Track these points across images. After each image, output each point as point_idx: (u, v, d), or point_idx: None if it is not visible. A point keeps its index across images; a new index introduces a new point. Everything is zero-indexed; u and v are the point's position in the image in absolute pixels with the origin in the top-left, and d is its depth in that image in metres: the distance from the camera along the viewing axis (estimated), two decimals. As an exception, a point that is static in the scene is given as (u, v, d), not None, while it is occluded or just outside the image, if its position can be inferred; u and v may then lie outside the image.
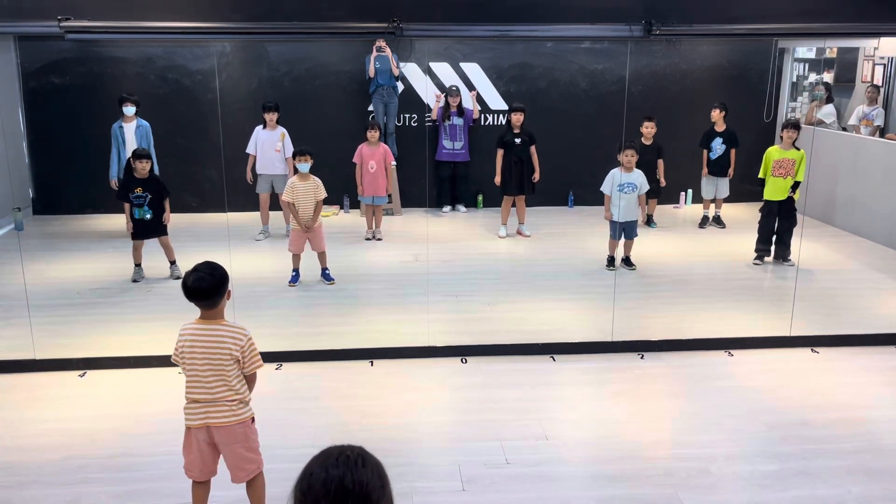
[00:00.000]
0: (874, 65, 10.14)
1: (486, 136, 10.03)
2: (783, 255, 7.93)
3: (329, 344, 5.86)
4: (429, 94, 10.29)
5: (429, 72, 10.32)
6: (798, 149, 7.77)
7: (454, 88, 10.07)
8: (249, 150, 8.94)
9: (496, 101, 10.49)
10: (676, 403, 5.08)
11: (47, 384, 5.31)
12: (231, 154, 9.10)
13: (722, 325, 6.31)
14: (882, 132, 9.49)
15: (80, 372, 5.48)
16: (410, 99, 10.32)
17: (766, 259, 8.03)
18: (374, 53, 9.74)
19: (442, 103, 10.07)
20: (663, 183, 9.37)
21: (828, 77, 10.78)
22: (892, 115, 9.80)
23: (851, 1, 6.17)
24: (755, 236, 8.06)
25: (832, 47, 10.71)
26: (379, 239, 8.96)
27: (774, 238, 7.97)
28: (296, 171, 7.45)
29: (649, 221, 9.52)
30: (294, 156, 7.66)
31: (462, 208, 10.45)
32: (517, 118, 8.88)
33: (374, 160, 8.84)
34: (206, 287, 3.44)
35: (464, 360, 5.68)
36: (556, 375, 5.49)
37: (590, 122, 10.43)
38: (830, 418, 4.85)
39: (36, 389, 5.24)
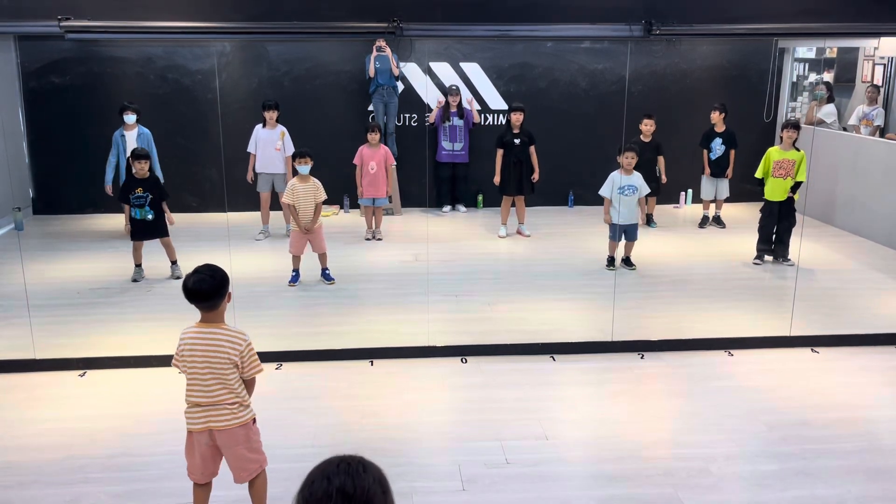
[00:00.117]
0: (874, 65, 10.14)
1: (486, 136, 10.03)
2: (782, 254, 7.93)
3: (329, 344, 5.86)
4: (429, 93, 10.29)
5: (429, 72, 10.32)
6: (798, 149, 7.77)
7: (454, 88, 10.08)
8: (250, 149, 8.95)
9: (496, 101, 10.49)
10: (676, 403, 5.09)
11: (47, 384, 5.31)
12: (231, 154, 9.10)
13: (722, 325, 6.31)
14: (882, 132, 9.49)
15: (80, 372, 5.48)
16: (410, 99, 10.32)
17: (766, 259, 8.03)
18: (374, 53, 9.74)
19: (442, 105, 10.05)
20: (664, 180, 9.37)
21: (828, 77, 10.78)
22: (892, 115, 9.80)
23: (851, 1, 6.17)
24: (755, 236, 8.07)
25: (832, 47, 10.70)
26: (379, 239, 8.96)
27: (774, 238, 7.98)
28: (295, 171, 7.45)
29: (649, 221, 9.52)
30: (294, 157, 7.65)
31: (462, 208, 10.45)
32: (517, 118, 8.88)
33: (375, 161, 8.84)
34: (207, 289, 3.44)
35: (464, 360, 5.68)
36: (556, 375, 5.49)
37: (590, 122, 10.43)
38: (830, 418, 4.85)
39: (36, 389, 5.24)
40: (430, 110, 10.22)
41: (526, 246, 8.80)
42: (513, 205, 9.14)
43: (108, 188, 8.65)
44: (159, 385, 5.24)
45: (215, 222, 9.49)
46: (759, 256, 8.02)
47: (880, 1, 6.05)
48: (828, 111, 10.04)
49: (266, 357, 5.28)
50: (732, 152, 9.39)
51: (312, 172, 7.38)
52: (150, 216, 7.28)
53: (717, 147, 9.39)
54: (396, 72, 9.91)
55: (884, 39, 8.94)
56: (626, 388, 5.30)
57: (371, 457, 1.77)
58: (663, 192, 9.88)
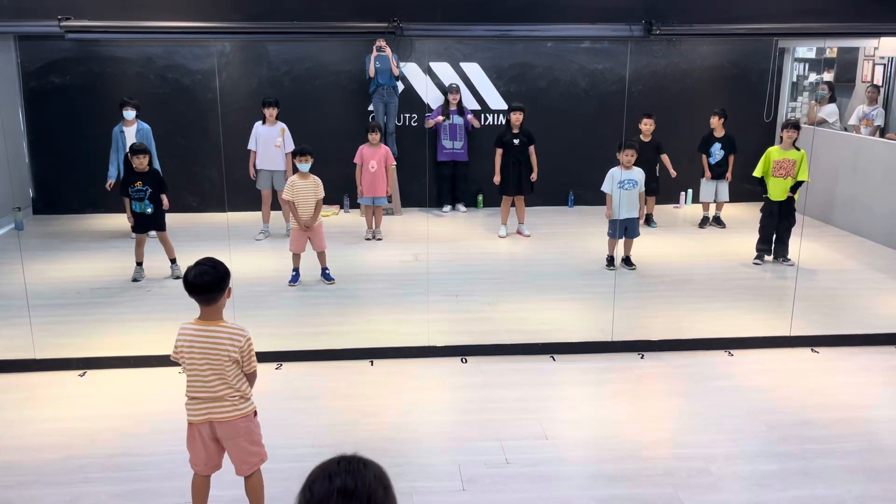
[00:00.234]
0: (874, 65, 10.14)
1: (486, 136, 10.03)
2: (782, 253, 7.93)
3: (329, 344, 5.86)
4: (429, 93, 10.30)
5: (429, 71, 10.32)
6: (798, 149, 7.77)
7: (454, 86, 10.08)
8: (250, 146, 8.95)
9: (496, 101, 10.49)
10: (676, 403, 5.09)
11: (47, 384, 5.31)
12: (231, 153, 9.10)
13: (722, 325, 6.31)
14: (882, 132, 9.49)
15: (80, 372, 5.48)
16: (410, 99, 10.32)
17: (766, 259, 8.03)
18: (375, 53, 9.74)
19: (440, 122, 10.04)
20: (674, 174, 9.32)
21: (828, 77, 10.78)
22: (892, 115, 9.79)
23: (851, 1, 6.17)
24: (755, 236, 8.07)
25: (832, 47, 10.70)
26: (379, 239, 8.96)
27: (774, 237, 7.98)
28: (295, 169, 7.45)
29: (649, 221, 9.52)
30: (294, 155, 7.66)
31: (462, 208, 10.45)
32: (516, 118, 8.88)
33: (375, 160, 8.84)
34: (208, 281, 3.43)
35: (464, 360, 5.68)
36: (556, 375, 5.49)
37: (590, 122, 10.43)
38: (830, 418, 4.85)
39: (36, 389, 5.24)
40: (431, 110, 10.21)
41: (526, 246, 8.80)
42: (512, 205, 9.15)
43: (111, 183, 8.65)
44: (159, 385, 5.24)
45: (215, 222, 9.49)
46: (759, 256, 8.02)
47: (880, 1, 6.05)
48: (830, 111, 10.04)
49: (266, 357, 5.30)
50: (732, 157, 9.38)
51: (312, 172, 7.38)
52: (149, 210, 7.30)
53: (717, 152, 9.40)
54: (396, 72, 9.91)
55: (884, 39, 8.94)
56: (626, 388, 5.30)
57: (371, 457, 1.77)
58: (663, 192, 9.88)
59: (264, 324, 6.07)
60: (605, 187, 7.72)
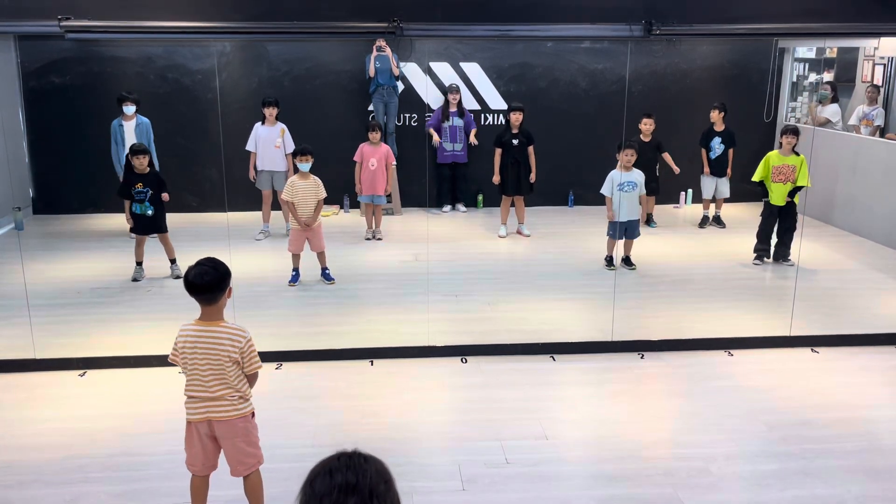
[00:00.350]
0: (874, 65, 10.13)
1: (486, 136, 10.02)
2: (783, 255, 7.93)
3: (329, 344, 5.86)
4: (429, 93, 10.30)
5: (429, 71, 10.32)
6: (797, 154, 7.76)
7: (454, 86, 10.08)
8: (249, 147, 8.95)
9: (496, 101, 10.49)
10: (676, 403, 5.09)
11: (47, 384, 5.31)
12: (231, 153, 9.10)
13: (722, 325, 6.31)
14: (882, 132, 9.49)
15: (80, 371, 5.48)
16: (410, 99, 10.32)
17: (766, 259, 8.03)
18: (375, 53, 9.74)
19: (436, 135, 10.06)
20: (677, 170, 9.31)
21: (828, 77, 10.78)
22: (892, 115, 9.79)
23: (851, 1, 6.18)
24: (755, 236, 8.06)
25: (832, 47, 10.70)
26: (379, 239, 8.96)
27: (775, 239, 7.97)
28: (296, 169, 7.45)
29: (649, 221, 9.52)
30: (295, 155, 7.66)
31: (462, 208, 10.45)
32: (516, 118, 8.88)
33: (375, 158, 8.83)
34: (209, 281, 3.43)
35: (464, 360, 5.68)
36: (556, 375, 5.49)
37: (590, 122, 10.43)
38: (830, 418, 4.85)
39: (36, 389, 5.25)
40: (431, 110, 10.22)
41: (526, 246, 8.80)
42: (512, 205, 9.15)
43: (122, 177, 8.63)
44: (159, 385, 5.24)
45: (215, 222, 9.49)
46: (759, 257, 8.02)
47: (880, 1, 6.05)
48: (833, 111, 10.04)
49: (266, 357, 5.25)
50: (731, 151, 9.39)
51: (313, 172, 7.38)
52: (150, 211, 7.29)
53: (717, 146, 9.40)
54: (396, 72, 9.91)
55: (884, 39, 8.94)
56: (626, 388, 5.30)
57: (371, 456, 1.77)
58: (663, 192, 9.88)
59: (264, 324, 6.07)
60: (604, 190, 7.72)
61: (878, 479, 4.19)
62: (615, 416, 4.89)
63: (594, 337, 6.02)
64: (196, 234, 8.88)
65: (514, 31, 6.19)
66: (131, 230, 7.54)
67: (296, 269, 7.36)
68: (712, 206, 9.65)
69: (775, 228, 7.94)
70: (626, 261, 7.86)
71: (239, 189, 9.41)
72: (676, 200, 10.73)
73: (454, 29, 6.53)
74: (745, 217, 9.71)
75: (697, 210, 10.02)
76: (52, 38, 9.17)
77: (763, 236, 8.00)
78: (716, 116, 9.41)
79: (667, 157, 9.31)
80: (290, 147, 8.80)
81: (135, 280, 7.38)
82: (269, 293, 7.09)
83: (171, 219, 7.61)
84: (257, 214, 9.13)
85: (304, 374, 5.47)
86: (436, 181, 10.42)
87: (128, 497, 4.03)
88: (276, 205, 8.98)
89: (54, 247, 8.64)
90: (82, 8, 5.54)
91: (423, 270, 7.34)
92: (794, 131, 7.81)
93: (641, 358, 5.75)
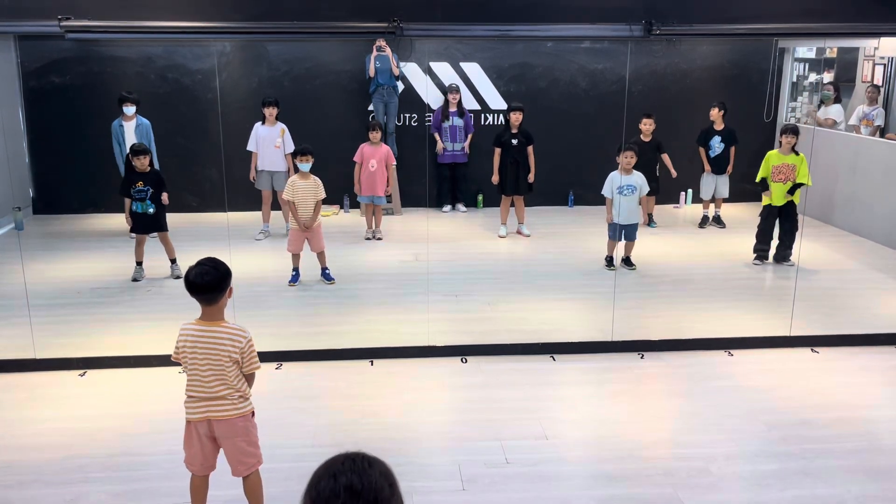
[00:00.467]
0: (874, 65, 10.13)
1: (486, 136, 10.03)
2: (784, 256, 7.92)
3: (329, 344, 5.86)
4: (429, 93, 10.30)
5: (429, 71, 10.32)
6: (797, 153, 7.77)
7: (454, 87, 10.08)
8: (250, 147, 8.94)
9: (496, 101, 10.49)
10: (676, 403, 5.09)
11: (47, 384, 5.31)
12: (231, 153, 9.10)
13: (722, 325, 6.31)
14: (882, 132, 9.49)
15: (81, 371, 5.48)
16: (410, 99, 10.32)
17: (766, 260, 8.03)
18: (375, 53, 9.74)
19: (440, 142, 10.08)
20: (674, 174, 9.32)
21: (828, 77, 10.78)
22: (892, 115, 9.79)
23: (851, 1, 6.18)
24: (755, 237, 8.06)
25: (832, 47, 10.70)
26: (379, 238, 8.96)
27: (775, 240, 7.97)
28: (296, 169, 7.45)
29: (649, 221, 9.52)
30: (295, 155, 7.66)
31: (462, 208, 10.45)
32: (515, 118, 8.87)
33: (375, 159, 8.83)
34: (209, 281, 3.44)
35: (464, 360, 5.68)
36: (556, 375, 5.49)
37: (590, 122, 10.43)
38: (830, 418, 4.85)
39: (36, 389, 5.24)
40: (431, 110, 10.21)
41: (526, 246, 8.80)
42: (512, 204, 9.15)
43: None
44: (159, 385, 5.24)
45: (215, 222, 9.49)
46: (759, 257, 8.02)
47: (880, 1, 6.06)
48: (837, 111, 10.04)
49: (266, 357, 5.28)
50: (732, 149, 9.39)
51: (312, 172, 7.38)
52: (150, 210, 7.29)
53: (717, 145, 9.40)
54: (396, 72, 9.91)
55: (884, 39, 8.94)
56: (626, 388, 5.30)
57: (371, 456, 1.77)
58: (663, 192, 9.88)
59: (264, 324, 6.07)
60: (604, 191, 7.72)
61: (878, 479, 4.19)
62: (615, 416, 4.88)
63: (594, 337, 6.02)
64: (196, 234, 8.88)
65: (514, 31, 6.20)
66: (132, 230, 7.53)
67: (296, 269, 7.36)
68: (712, 205, 9.65)
69: (775, 229, 7.94)
70: (626, 261, 7.86)
71: (239, 189, 9.41)
72: (676, 200, 10.73)
73: (454, 29, 6.54)
74: (745, 217, 9.70)
75: (697, 210, 10.02)
76: (52, 38, 9.17)
77: (762, 237, 8.00)
78: (715, 115, 9.41)
79: (665, 158, 9.31)
80: (290, 147, 8.80)
81: (135, 280, 7.38)
82: (269, 293, 7.09)
83: (171, 219, 7.61)
84: (257, 214, 9.13)
85: (304, 374, 5.47)
86: (436, 181, 10.42)
87: (128, 497, 4.03)
88: (275, 205, 8.98)
89: (54, 247, 8.64)
90: (82, 8, 5.54)
91: (423, 270, 7.33)
92: (794, 130, 7.81)
93: (641, 358, 5.75)
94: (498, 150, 8.92)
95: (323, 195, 7.38)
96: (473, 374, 5.49)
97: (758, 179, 7.95)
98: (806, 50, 10.73)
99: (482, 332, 6.11)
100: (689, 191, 10.67)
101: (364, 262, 8.10)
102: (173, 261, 7.52)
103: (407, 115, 10.39)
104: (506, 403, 5.04)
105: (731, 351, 5.85)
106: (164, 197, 7.38)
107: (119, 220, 8.47)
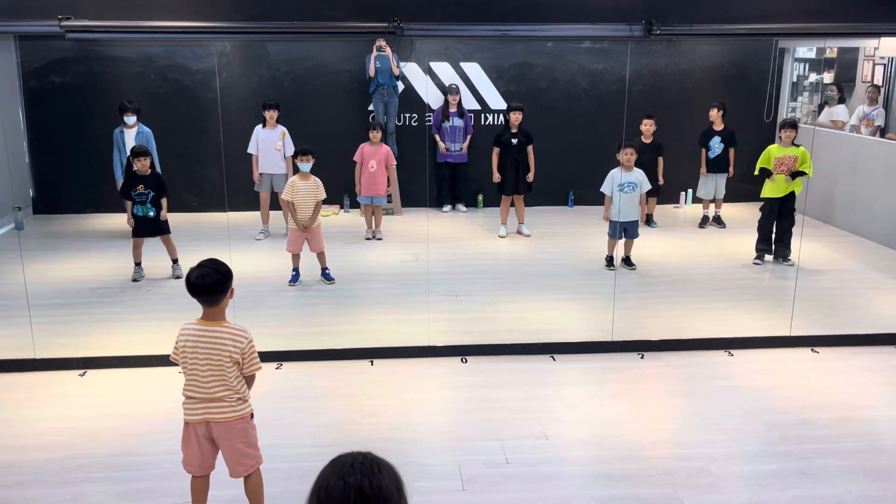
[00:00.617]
0: (874, 65, 10.14)
1: (486, 136, 10.03)
2: (783, 254, 7.93)
3: (329, 343, 5.86)
4: (429, 93, 10.30)
5: (429, 71, 10.32)
6: (798, 146, 7.79)
7: (454, 87, 10.08)
8: (251, 149, 8.93)
9: (496, 101, 10.49)
10: (676, 403, 5.09)
11: (47, 383, 5.31)
12: (231, 153, 9.10)
13: (722, 325, 6.31)
14: (882, 132, 9.49)
15: (81, 371, 5.48)
16: (410, 99, 10.32)
17: (767, 259, 8.03)
18: (375, 53, 9.74)
19: (440, 141, 10.09)
20: (661, 182, 9.36)
21: (828, 77, 10.78)
22: (893, 115, 9.80)
23: (851, 1, 6.18)
24: (755, 236, 8.07)
25: (832, 47, 10.70)
26: (379, 238, 8.96)
27: (774, 238, 7.98)
28: (296, 170, 7.45)
29: (649, 221, 9.52)
30: (295, 155, 7.66)
31: (462, 208, 10.45)
32: (515, 118, 8.87)
33: (375, 160, 8.83)
34: (210, 283, 3.44)
35: (464, 360, 5.68)
36: (556, 375, 5.49)
37: (590, 122, 10.43)
38: (830, 418, 4.85)
39: (36, 389, 5.24)
40: (431, 110, 10.21)
41: (526, 246, 8.80)
42: (512, 204, 9.14)
43: (121, 185, 8.64)
44: (159, 385, 5.24)
45: (215, 222, 9.49)
46: (759, 256, 8.02)
47: (880, 1, 6.06)
48: (841, 111, 10.04)
49: (266, 357, 5.27)
50: (732, 151, 9.39)
51: (313, 171, 7.38)
52: (151, 213, 7.29)
53: (716, 146, 9.40)
54: (396, 72, 9.91)
55: (884, 39, 8.94)
56: (626, 388, 5.30)
57: (371, 457, 1.77)
58: (663, 192, 9.87)
59: (264, 324, 6.07)
60: (604, 188, 7.72)
61: (878, 479, 4.19)
62: (615, 416, 4.88)
63: (594, 337, 6.02)
64: (196, 234, 8.87)
65: (514, 31, 6.20)
66: (133, 234, 7.44)
67: (296, 269, 7.36)
68: (712, 206, 9.65)
69: (774, 227, 7.94)
70: (627, 261, 7.86)
71: (239, 189, 9.41)
72: (676, 200, 10.73)
73: (454, 29, 6.53)
74: (745, 217, 9.70)
75: (697, 210, 10.02)
76: (52, 38, 9.17)
77: (763, 234, 8.00)
78: (715, 115, 9.41)
79: (660, 163, 9.29)
80: (291, 150, 8.79)
81: (134, 280, 7.38)
82: (269, 293, 7.09)
83: (172, 219, 7.61)
84: (257, 214, 9.13)
85: (304, 374, 5.47)
86: (436, 181, 10.42)
87: (128, 497, 4.03)
88: (275, 205, 8.97)
89: (54, 247, 8.64)
90: (82, 8, 5.54)
91: (423, 270, 7.33)
92: (793, 125, 7.84)
93: (641, 358, 5.75)
94: (497, 150, 8.92)
95: (323, 196, 7.38)
96: (473, 374, 5.49)
97: (756, 171, 7.94)
98: (806, 50, 10.74)
99: (482, 332, 6.11)
100: (689, 191, 10.67)
101: (364, 262, 8.10)
102: (175, 261, 7.52)
103: (407, 115, 10.39)
104: (506, 403, 5.04)
105: (732, 351, 5.85)
106: (164, 203, 7.35)
107: (119, 220, 8.47)
